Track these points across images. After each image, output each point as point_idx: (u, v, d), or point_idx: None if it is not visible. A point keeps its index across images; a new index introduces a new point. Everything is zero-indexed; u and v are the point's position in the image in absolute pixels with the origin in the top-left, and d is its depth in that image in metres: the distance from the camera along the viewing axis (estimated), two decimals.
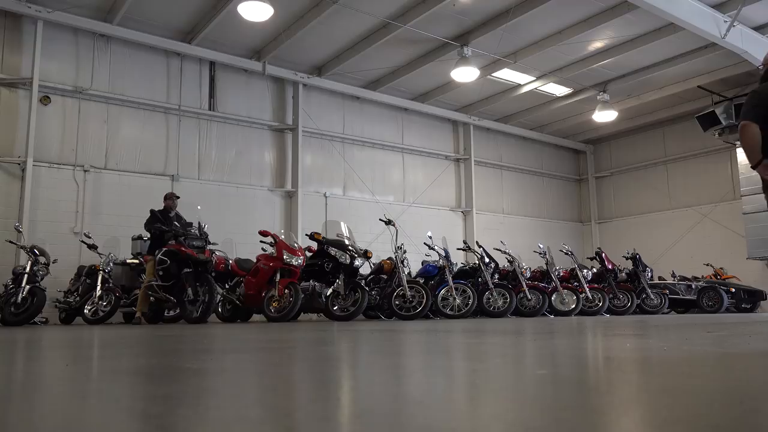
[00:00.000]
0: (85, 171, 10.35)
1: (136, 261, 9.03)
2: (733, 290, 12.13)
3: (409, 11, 10.22)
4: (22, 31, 10.09)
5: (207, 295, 7.64)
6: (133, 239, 9.50)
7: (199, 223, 8.32)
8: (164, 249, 7.88)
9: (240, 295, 8.61)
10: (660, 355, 2.23)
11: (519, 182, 16.68)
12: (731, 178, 14.82)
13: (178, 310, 8.32)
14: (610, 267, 10.88)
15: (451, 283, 9.00)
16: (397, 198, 14.11)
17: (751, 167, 4.08)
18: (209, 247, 8.30)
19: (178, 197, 8.67)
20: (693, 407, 1.12)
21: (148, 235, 8.46)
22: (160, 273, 7.87)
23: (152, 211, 8.28)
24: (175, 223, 8.20)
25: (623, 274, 11.08)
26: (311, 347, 2.95)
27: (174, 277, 7.86)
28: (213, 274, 8.54)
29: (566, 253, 10.79)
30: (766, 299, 12.45)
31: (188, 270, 7.81)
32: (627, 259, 11.26)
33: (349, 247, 8.33)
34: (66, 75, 10.42)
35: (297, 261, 8.07)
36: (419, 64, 12.26)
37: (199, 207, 9.38)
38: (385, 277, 9.51)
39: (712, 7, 9.99)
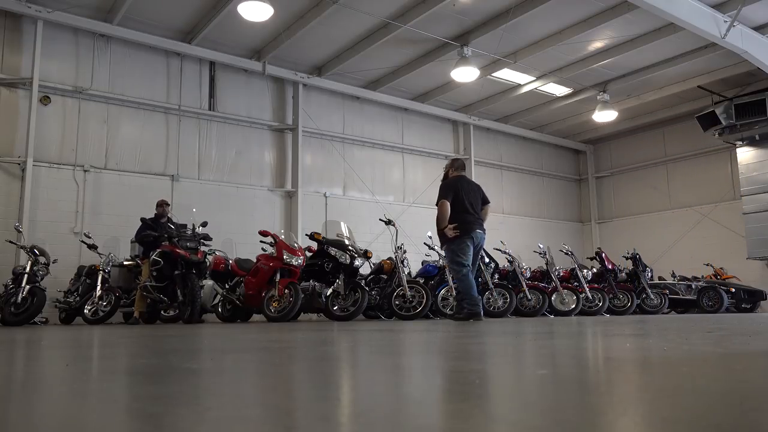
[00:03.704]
0: (85, 171, 10.35)
1: (133, 263, 9.07)
2: (733, 290, 12.14)
3: (409, 11, 10.22)
4: (22, 31, 10.09)
5: (189, 296, 7.65)
6: (132, 242, 9.53)
7: (193, 225, 8.35)
8: (158, 250, 7.96)
9: (240, 295, 8.62)
10: (660, 356, 2.23)
11: (519, 182, 16.68)
12: (731, 178, 14.83)
13: (177, 311, 8.35)
14: (610, 267, 10.88)
15: (451, 283, 8.99)
16: (397, 198, 14.11)
17: (441, 229, 6.72)
18: (203, 248, 8.32)
19: (169, 204, 8.96)
20: (693, 407, 1.12)
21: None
22: (154, 274, 7.92)
23: (143, 220, 8.49)
24: (169, 225, 8.31)
25: (623, 274, 11.07)
26: (311, 347, 2.95)
27: (167, 278, 7.92)
28: (207, 274, 8.60)
29: (566, 253, 10.79)
30: (766, 299, 12.46)
31: (177, 271, 7.85)
32: (627, 259, 11.26)
33: (349, 247, 8.33)
34: (66, 75, 10.43)
35: (297, 261, 8.07)
36: (419, 64, 12.27)
37: (194, 209, 9.43)
38: (385, 277, 9.52)
39: (712, 7, 9.99)
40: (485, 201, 7.11)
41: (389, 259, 9.44)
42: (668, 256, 15.14)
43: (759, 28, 10.92)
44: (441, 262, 9.41)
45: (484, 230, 6.94)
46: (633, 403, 1.21)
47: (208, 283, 8.85)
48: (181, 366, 2.01)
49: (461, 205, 6.77)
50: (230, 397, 1.26)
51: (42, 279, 7.97)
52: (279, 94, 12.77)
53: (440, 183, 7.20)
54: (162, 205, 8.88)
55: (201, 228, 8.34)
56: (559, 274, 10.48)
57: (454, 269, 6.85)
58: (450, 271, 7.09)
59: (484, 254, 9.10)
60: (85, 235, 9.34)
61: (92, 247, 9.09)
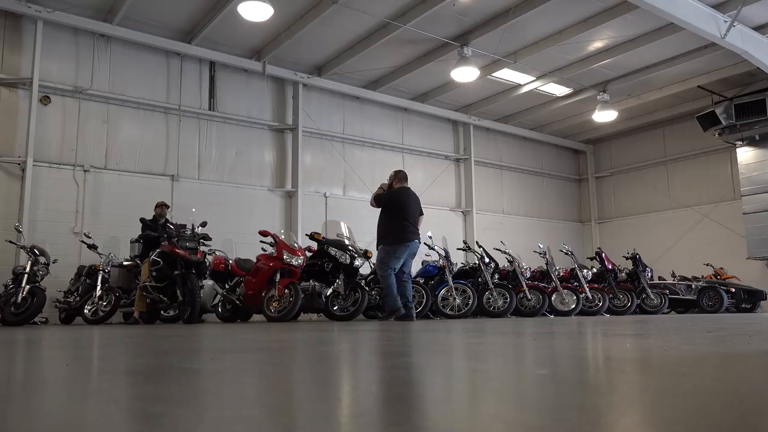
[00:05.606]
0: (85, 171, 10.35)
1: (133, 263, 9.07)
2: (733, 290, 12.13)
3: (409, 11, 10.22)
4: (22, 31, 10.09)
5: (189, 296, 7.65)
6: (132, 242, 9.53)
7: (192, 225, 8.36)
8: (158, 250, 7.96)
9: (240, 295, 8.62)
10: (660, 356, 2.23)
11: (519, 182, 16.68)
12: (731, 178, 14.83)
13: (177, 311, 8.34)
14: (610, 267, 10.88)
15: (451, 283, 9.00)
16: None
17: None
18: (203, 248, 8.33)
19: (168, 206, 9.12)
20: (693, 407, 1.12)
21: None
22: (154, 274, 7.92)
23: (143, 220, 8.58)
24: (169, 226, 8.35)
25: (623, 274, 11.08)
26: (311, 347, 2.95)
27: (167, 278, 7.92)
28: (207, 274, 8.61)
29: (566, 253, 10.79)
30: (766, 299, 12.45)
31: (177, 272, 7.85)
32: (627, 259, 11.25)
33: (349, 247, 8.34)
34: (66, 75, 10.42)
35: (297, 261, 8.07)
36: (419, 64, 12.26)
37: (193, 209, 9.45)
38: None
39: (712, 7, 9.99)
40: (420, 212, 8.04)
41: None
42: (668, 256, 15.14)
43: (759, 28, 10.91)
44: (441, 262, 9.41)
45: (420, 240, 7.97)
46: (633, 403, 1.21)
47: (208, 283, 8.84)
48: (181, 366, 2.01)
49: (403, 215, 7.67)
50: (230, 397, 1.26)
51: (42, 279, 7.96)
52: (279, 94, 12.76)
53: (386, 191, 8.04)
54: (161, 206, 9.01)
55: (200, 228, 8.35)
56: (559, 274, 10.48)
57: (381, 268, 7.57)
58: (377, 268, 7.81)
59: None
60: (85, 235, 9.34)
61: (92, 247, 9.09)
